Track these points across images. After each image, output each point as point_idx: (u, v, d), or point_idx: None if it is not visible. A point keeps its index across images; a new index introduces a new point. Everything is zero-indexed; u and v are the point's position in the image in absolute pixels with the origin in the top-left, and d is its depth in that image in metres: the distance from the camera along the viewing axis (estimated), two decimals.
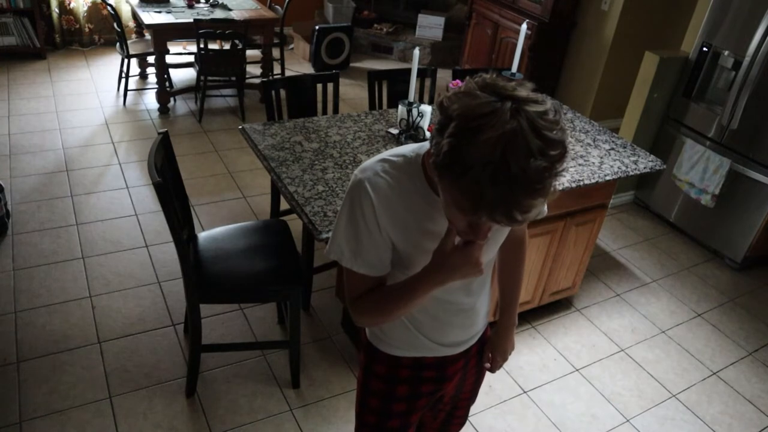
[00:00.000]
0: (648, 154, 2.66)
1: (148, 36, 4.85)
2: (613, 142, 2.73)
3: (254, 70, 5.25)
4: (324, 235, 1.87)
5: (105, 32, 5.62)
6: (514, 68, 2.74)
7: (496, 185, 0.84)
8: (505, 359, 1.56)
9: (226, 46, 5.19)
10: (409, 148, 1.14)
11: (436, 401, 1.60)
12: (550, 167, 0.85)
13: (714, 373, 2.75)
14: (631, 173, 2.50)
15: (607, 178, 2.43)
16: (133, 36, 5.19)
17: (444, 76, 4.89)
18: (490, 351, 1.53)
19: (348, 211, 1.13)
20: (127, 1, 4.94)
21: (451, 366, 1.40)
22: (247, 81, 4.81)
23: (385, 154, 1.13)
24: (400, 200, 1.10)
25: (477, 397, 1.67)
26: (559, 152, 0.86)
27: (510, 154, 0.83)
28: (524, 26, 2.77)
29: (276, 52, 5.09)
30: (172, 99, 4.75)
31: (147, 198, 3.49)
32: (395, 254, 1.18)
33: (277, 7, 5.13)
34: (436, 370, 1.39)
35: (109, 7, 4.42)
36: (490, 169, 0.83)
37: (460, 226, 0.99)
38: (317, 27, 5.54)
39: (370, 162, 1.13)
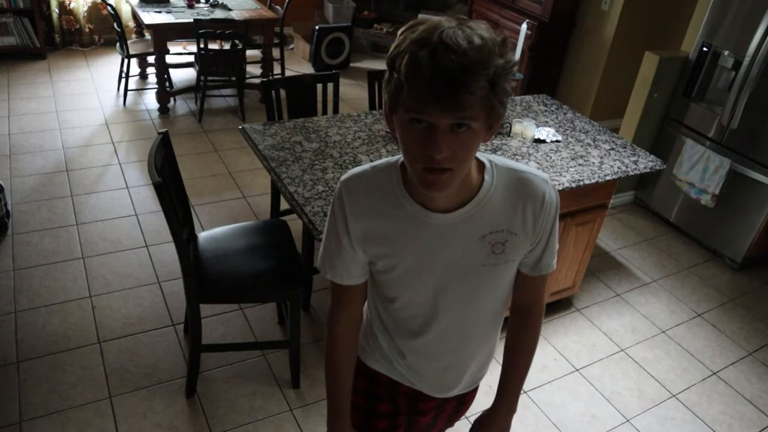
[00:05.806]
0: (648, 154, 2.66)
1: (148, 36, 4.85)
2: (613, 142, 2.73)
3: (254, 70, 5.26)
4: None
5: (105, 32, 5.62)
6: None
7: (423, 64, 0.88)
8: None
9: (226, 46, 5.19)
10: (399, 156, 1.14)
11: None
12: (467, 65, 0.88)
13: (714, 373, 2.75)
14: (631, 173, 2.50)
15: (607, 178, 2.43)
16: (133, 36, 5.20)
17: None
18: None
19: (327, 216, 1.20)
20: (127, 1, 4.94)
21: (424, 403, 1.39)
22: (247, 81, 4.81)
23: (378, 161, 1.16)
24: (372, 201, 1.12)
25: None
26: (477, 56, 0.89)
27: (436, 41, 0.89)
28: (524, 26, 2.77)
29: (276, 52, 5.09)
30: (172, 99, 4.75)
31: (147, 198, 3.49)
32: (371, 264, 1.19)
33: (277, 7, 5.13)
34: (410, 401, 1.39)
35: (109, 7, 4.42)
36: (419, 48, 0.89)
37: (416, 149, 0.96)
38: (317, 27, 5.53)
39: (359, 166, 1.16)
